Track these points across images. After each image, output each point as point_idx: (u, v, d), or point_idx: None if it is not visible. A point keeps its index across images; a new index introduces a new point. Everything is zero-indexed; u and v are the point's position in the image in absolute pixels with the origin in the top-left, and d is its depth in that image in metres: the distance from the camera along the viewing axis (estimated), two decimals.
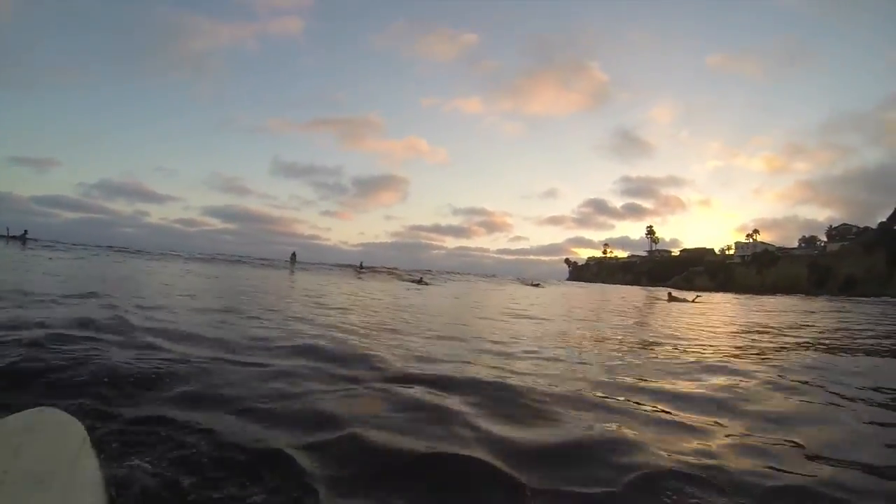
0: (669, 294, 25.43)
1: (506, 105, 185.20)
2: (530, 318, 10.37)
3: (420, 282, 28.86)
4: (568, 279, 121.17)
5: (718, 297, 41.27)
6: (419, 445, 2.19)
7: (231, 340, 4.39)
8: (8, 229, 33.00)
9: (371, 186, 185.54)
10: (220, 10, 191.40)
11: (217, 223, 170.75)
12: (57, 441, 1.59)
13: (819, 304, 30.76)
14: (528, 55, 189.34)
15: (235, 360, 3.63)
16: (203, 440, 2.12)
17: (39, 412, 1.72)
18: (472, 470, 2.03)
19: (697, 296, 26.61)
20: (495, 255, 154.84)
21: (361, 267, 42.68)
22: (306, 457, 2.03)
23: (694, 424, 2.86)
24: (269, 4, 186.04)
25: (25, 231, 32.92)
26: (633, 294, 37.32)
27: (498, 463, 2.07)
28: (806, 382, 4.30)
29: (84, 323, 4.39)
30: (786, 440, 2.68)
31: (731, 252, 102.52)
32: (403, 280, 30.47)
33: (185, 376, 3.08)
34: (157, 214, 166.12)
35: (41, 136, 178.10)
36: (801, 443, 2.63)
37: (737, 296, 48.31)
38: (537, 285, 41.03)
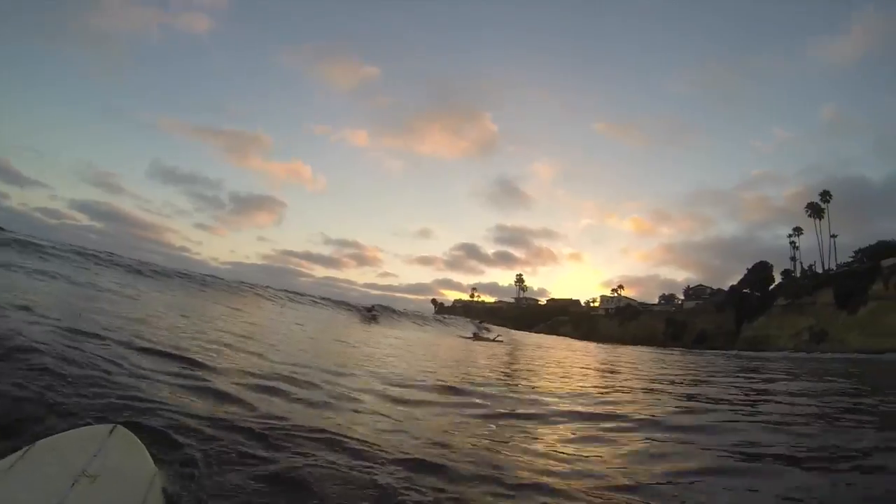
0: (475, 334, 31.50)
1: (393, 142, 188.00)
2: None
3: (372, 317, 28.97)
4: None
5: (579, 344, 45.68)
6: None
7: None
8: None
9: (248, 205, 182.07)
10: None
11: (84, 219, 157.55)
12: (118, 479, 1.63)
13: (652, 354, 32.64)
14: (425, 96, 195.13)
15: None
16: None
17: (109, 432, 1.83)
18: None
19: (498, 336, 32.22)
20: (362, 289, 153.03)
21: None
22: None
23: None
24: None
25: None
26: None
27: None
28: None
29: None
30: None
31: (597, 304, 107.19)
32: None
33: None
34: (17, 199, 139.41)
35: None
36: None
37: (599, 345, 49.79)
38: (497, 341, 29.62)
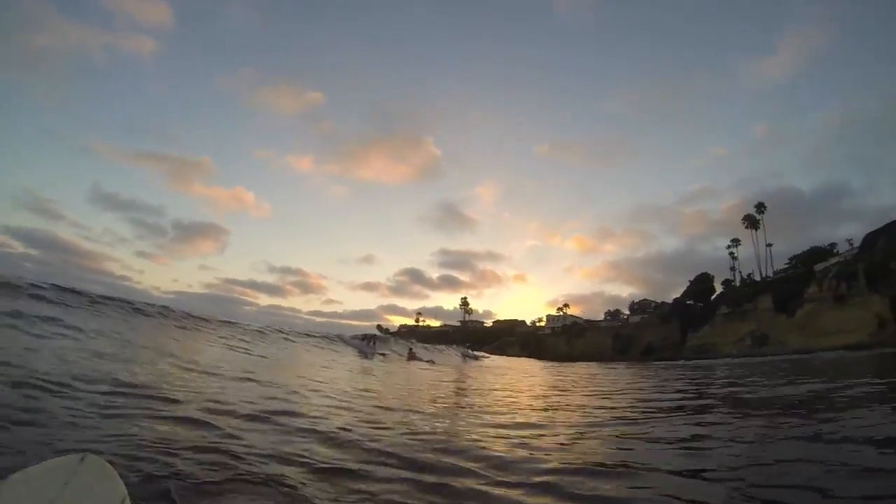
0: (409, 350, 30.33)
1: (336, 168, 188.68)
2: None
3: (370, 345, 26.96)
4: None
5: (524, 362, 49.28)
6: None
7: None
8: None
9: (191, 233, 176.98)
10: (75, 9, 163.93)
11: (19, 246, 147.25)
12: (96, 498, 1.69)
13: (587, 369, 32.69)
14: (368, 121, 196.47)
15: None
16: None
17: (80, 460, 1.81)
18: None
19: (431, 360, 29.79)
20: (306, 317, 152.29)
21: None
22: None
23: None
24: (129, 16, 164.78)
25: None
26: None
27: None
28: None
29: None
30: None
31: (543, 324, 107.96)
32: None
33: None
34: None
35: None
36: None
37: (544, 363, 49.98)
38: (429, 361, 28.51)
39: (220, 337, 17.12)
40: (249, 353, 14.34)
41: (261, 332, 22.67)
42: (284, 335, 24.80)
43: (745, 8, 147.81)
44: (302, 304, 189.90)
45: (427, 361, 27.33)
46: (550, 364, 46.75)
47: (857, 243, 58.61)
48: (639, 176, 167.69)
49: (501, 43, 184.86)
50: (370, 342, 28.38)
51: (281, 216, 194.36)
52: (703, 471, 3.73)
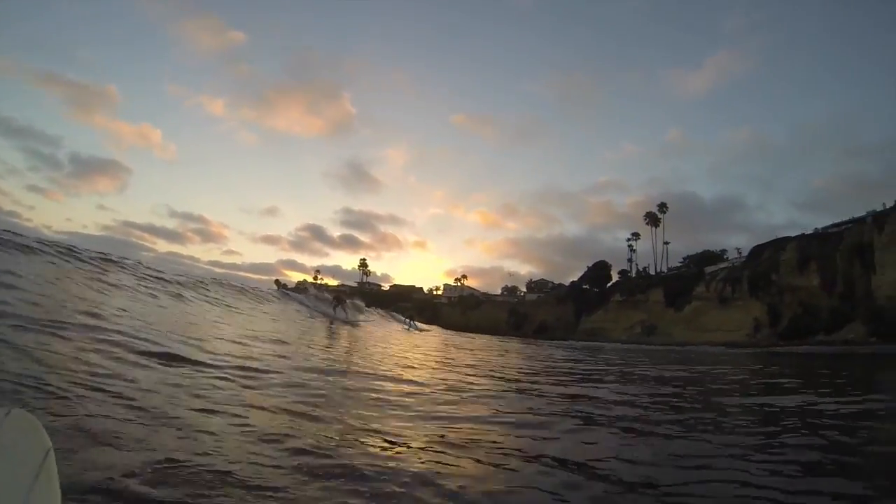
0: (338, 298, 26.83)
1: (249, 114, 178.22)
2: None
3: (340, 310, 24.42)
4: None
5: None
6: None
7: None
8: None
9: (90, 168, 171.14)
10: None
11: None
12: (14, 455, 1.60)
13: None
14: (287, 70, 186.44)
15: None
16: None
17: (5, 414, 1.70)
18: None
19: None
20: (206, 267, 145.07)
21: None
22: None
23: None
24: None
25: None
26: None
27: None
28: None
29: None
30: None
31: (440, 293, 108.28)
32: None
33: None
34: None
35: None
36: None
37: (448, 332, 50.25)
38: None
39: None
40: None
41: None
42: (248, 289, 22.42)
43: (683, 20, 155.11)
44: (201, 252, 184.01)
45: (348, 322, 23.77)
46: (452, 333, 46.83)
47: (745, 253, 64.51)
48: (551, 160, 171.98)
49: (435, 8, 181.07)
50: (340, 306, 25.21)
51: (187, 158, 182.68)
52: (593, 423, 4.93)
